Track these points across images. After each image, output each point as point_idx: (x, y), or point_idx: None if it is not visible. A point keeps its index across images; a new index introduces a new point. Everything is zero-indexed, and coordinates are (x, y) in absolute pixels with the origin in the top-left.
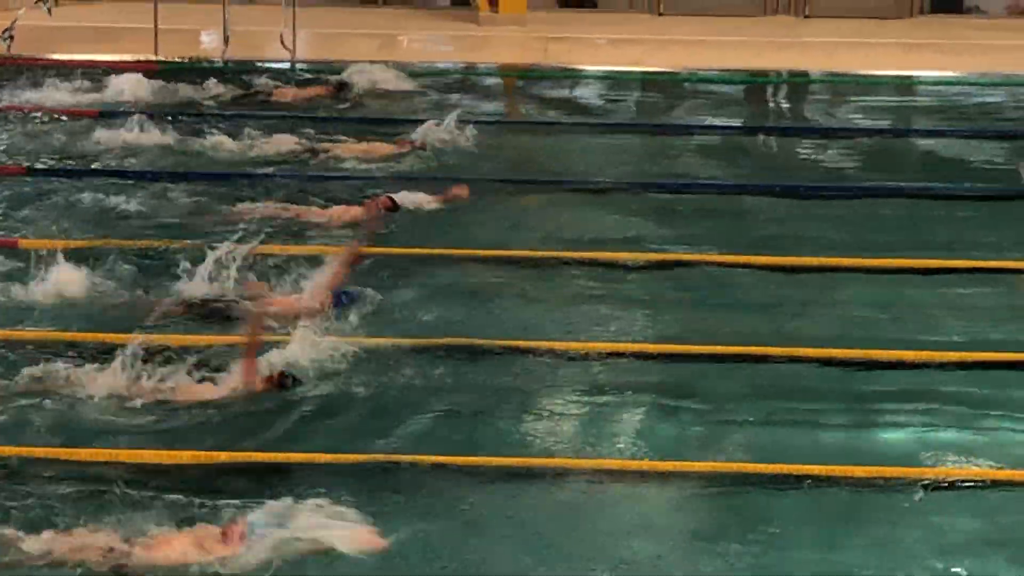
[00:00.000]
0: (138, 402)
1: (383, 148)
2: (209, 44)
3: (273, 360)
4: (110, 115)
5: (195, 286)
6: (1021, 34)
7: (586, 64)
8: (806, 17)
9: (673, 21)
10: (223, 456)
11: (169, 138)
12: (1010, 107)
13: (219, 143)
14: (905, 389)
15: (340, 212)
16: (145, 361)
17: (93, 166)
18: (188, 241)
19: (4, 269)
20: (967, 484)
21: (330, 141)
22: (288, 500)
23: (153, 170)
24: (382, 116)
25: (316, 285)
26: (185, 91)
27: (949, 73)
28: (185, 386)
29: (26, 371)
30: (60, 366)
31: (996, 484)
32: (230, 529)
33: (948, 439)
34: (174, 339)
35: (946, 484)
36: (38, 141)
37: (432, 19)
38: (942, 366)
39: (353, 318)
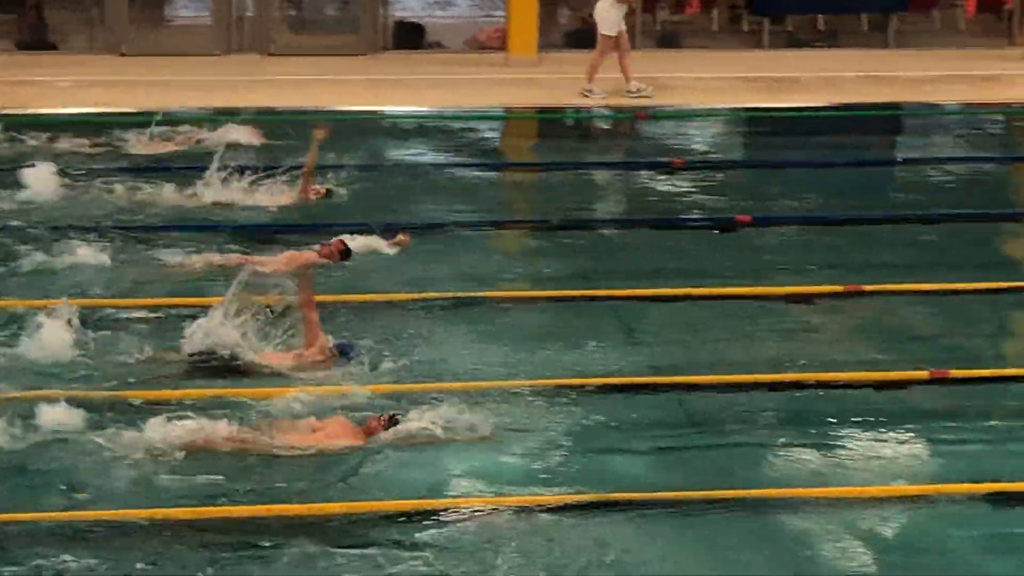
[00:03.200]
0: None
1: None
2: None
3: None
4: None
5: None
6: (480, 68)
7: (49, 108)
8: (270, 55)
9: (137, 62)
10: None
11: None
12: (478, 137)
13: None
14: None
15: (291, 257)
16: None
17: None
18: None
19: None
20: None
21: None
22: None
23: None
24: None
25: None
26: None
27: (419, 108)
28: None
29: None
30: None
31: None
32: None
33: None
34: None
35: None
36: None
37: None
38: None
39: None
